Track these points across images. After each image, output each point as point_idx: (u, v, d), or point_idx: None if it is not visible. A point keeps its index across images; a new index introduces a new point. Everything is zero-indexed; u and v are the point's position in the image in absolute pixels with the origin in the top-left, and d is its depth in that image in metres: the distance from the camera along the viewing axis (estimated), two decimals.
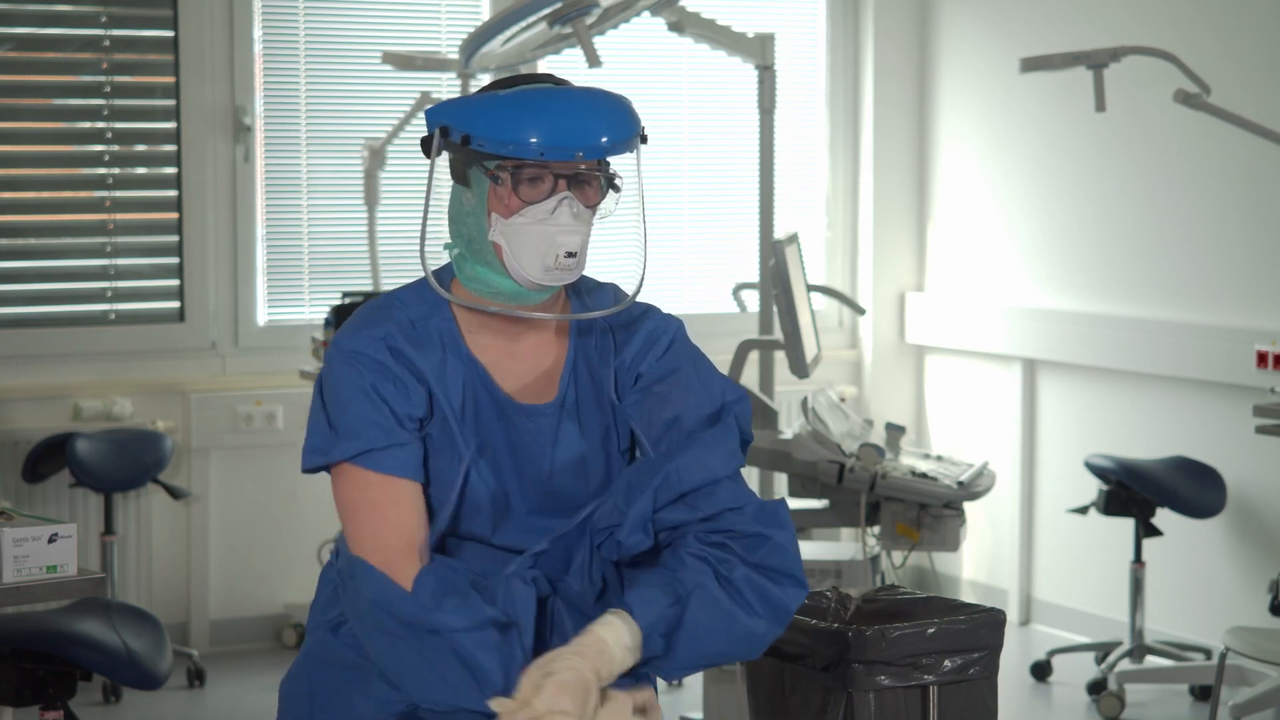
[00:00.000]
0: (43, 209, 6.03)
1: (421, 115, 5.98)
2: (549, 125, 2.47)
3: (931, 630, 3.00)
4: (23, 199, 6.00)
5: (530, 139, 2.46)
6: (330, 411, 2.54)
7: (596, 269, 2.73)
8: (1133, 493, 5.55)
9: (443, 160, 2.58)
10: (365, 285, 6.11)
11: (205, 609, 6.03)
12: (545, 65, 6.19)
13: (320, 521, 6.03)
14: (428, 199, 2.53)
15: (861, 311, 6.08)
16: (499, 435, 2.58)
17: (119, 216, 5.98)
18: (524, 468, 2.59)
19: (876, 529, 4.67)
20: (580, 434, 2.61)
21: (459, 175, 2.56)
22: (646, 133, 2.58)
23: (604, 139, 2.50)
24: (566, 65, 6.03)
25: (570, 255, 2.52)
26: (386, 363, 2.53)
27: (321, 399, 2.55)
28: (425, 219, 2.57)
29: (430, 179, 2.53)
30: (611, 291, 2.71)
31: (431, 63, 5.89)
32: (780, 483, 5.50)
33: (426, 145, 2.54)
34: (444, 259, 2.64)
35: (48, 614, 3.98)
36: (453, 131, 2.51)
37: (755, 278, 5.60)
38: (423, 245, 2.59)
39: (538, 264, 2.52)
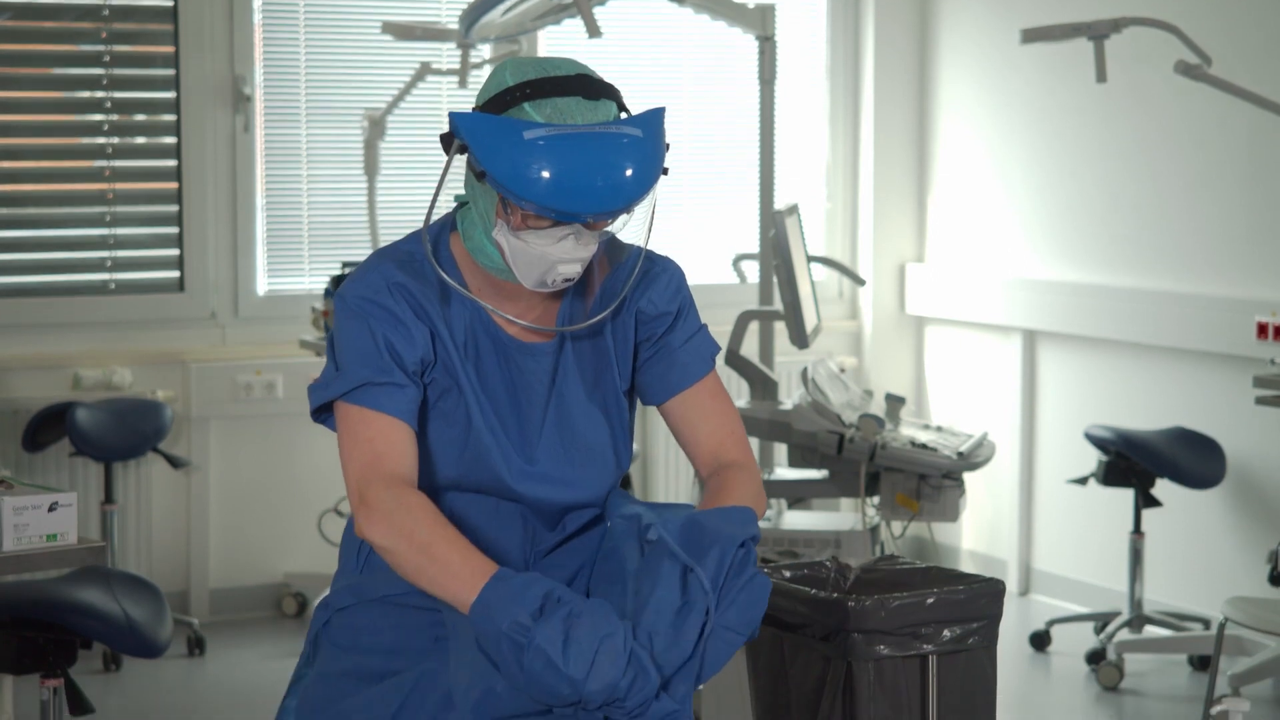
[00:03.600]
0: (42, 178, 6.02)
1: (421, 85, 6.00)
2: (562, 185, 2.42)
3: (931, 600, 3.01)
4: (22, 168, 5.99)
5: (542, 197, 2.42)
6: (337, 357, 2.56)
7: None
8: (1132, 463, 5.56)
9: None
10: (365, 255, 6.10)
11: (205, 578, 6.03)
12: (545, 35, 6.18)
13: (321, 491, 6.04)
14: (439, 188, 2.52)
15: (861, 282, 6.07)
16: (499, 376, 2.59)
17: (119, 186, 5.97)
18: (524, 409, 2.59)
19: (876, 499, 4.67)
20: (579, 373, 2.63)
21: (475, 171, 2.53)
22: (668, 165, 2.55)
23: (616, 203, 2.47)
24: (566, 35, 6.02)
25: (568, 280, 2.53)
26: (388, 305, 2.54)
27: (331, 348, 2.58)
28: (433, 204, 2.55)
29: (446, 167, 2.51)
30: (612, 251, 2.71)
31: (431, 33, 5.88)
32: (780, 453, 5.50)
33: (446, 141, 2.52)
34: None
35: (48, 582, 3.98)
36: (471, 159, 2.49)
37: (755, 249, 5.60)
38: (425, 227, 2.58)
39: (534, 278, 2.52)
